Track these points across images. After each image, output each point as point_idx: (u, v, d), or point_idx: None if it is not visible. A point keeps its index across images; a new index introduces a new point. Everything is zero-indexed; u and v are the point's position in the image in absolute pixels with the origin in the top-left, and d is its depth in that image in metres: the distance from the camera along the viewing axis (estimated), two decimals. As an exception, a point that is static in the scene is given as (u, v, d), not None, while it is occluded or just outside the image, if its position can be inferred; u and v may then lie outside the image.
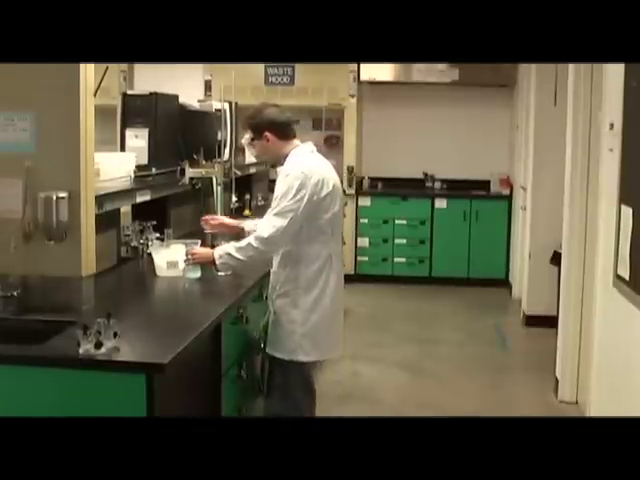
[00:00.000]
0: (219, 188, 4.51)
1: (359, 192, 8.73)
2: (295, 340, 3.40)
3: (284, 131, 3.49)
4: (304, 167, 3.39)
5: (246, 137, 3.58)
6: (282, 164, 3.49)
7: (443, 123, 8.92)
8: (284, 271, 3.45)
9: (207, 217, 3.97)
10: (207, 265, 3.54)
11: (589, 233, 4.95)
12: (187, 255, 3.60)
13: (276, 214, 3.33)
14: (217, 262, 3.42)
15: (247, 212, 5.78)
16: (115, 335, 2.49)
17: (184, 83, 6.64)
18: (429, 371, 5.83)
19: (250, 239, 3.37)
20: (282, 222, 3.31)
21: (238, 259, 3.38)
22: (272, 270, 3.54)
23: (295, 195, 3.31)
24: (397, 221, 8.69)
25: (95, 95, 3.60)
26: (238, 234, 3.83)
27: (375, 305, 7.84)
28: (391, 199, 8.72)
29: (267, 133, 3.46)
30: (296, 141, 3.52)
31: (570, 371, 5.17)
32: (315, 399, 3.63)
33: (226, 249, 3.43)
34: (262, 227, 3.37)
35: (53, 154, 3.43)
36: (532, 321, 6.91)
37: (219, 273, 3.53)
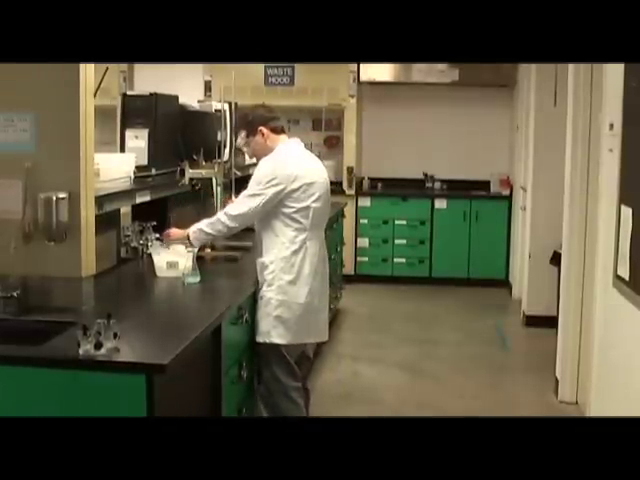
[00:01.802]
0: (219, 189, 4.51)
1: (359, 192, 8.73)
2: (269, 322, 3.62)
3: (275, 124, 3.78)
4: (280, 158, 3.68)
5: (239, 140, 3.88)
6: None
7: (443, 123, 8.92)
8: (262, 258, 3.69)
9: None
10: (183, 242, 3.82)
11: (589, 233, 4.95)
12: (164, 238, 3.98)
13: (246, 195, 3.67)
14: (191, 237, 3.77)
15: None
16: (115, 336, 2.49)
17: (184, 83, 6.64)
18: (429, 371, 5.83)
19: (220, 215, 3.74)
20: (251, 203, 3.63)
21: (208, 233, 3.77)
22: (257, 260, 3.74)
23: (267, 182, 3.60)
24: (397, 221, 8.68)
25: (95, 95, 3.60)
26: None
27: (375, 305, 7.84)
28: (391, 199, 8.72)
29: (261, 127, 3.73)
30: (284, 137, 3.79)
31: (570, 371, 5.17)
32: (300, 381, 3.78)
33: (199, 225, 3.80)
34: (233, 205, 3.74)
35: (53, 155, 3.43)
36: (532, 321, 6.91)
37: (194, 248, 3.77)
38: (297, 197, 3.63)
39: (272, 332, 3.62)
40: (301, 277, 3.65)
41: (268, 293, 3.63)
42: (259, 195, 3.61)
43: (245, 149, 3.94)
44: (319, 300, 3.79)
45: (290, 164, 3.66)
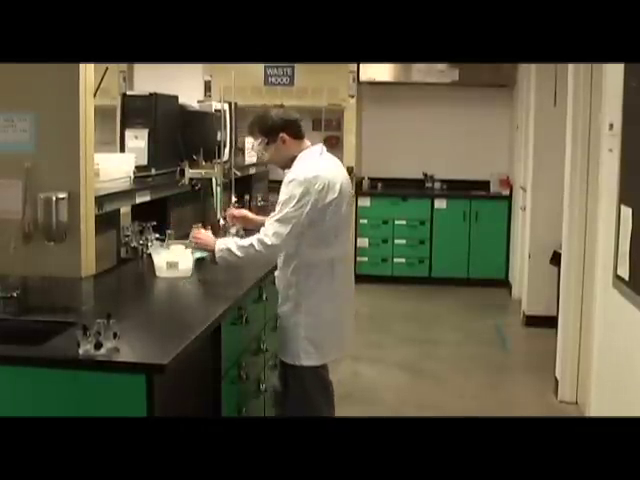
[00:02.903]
0: (219, 189, 4.51)
1: (359, 193, 8.72)
2: (299, 344, 3.42)
3: (297, 130, 3.47)
4: (309, 173, 3.35)
5: (257, 144, 3.52)
6: (289, 166, 3.46)
7: (443, 123, 8.93)
8: (286, 275, 3.47)
9: (233, 210, 4.02)
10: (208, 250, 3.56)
11: (589, 233, 4.95)
12: (190, 237, 3.65)
13: (278, 220, 3.32)
14: (216, 254, 3.44)
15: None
16: (115, 336, 2.49)
17: (184, 83, 6.64)
18: (429, 371, 5.83)
19: (253, 240, 3.36)
20: (284, 229, 3.30)
21: (237, 256, 3.39)
22: (276, 273, 3.57)
23: (298, 202, 3.29)
24: (397, 221, 8.69)
25: (95, 96, 3.60)
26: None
27: (375, 305, 7.84)
28: (391, 199, 8.72)
29: (283, 134, 3.42)
30: (307, 141, 3.51)
31: (570, 371, 5.17)
32: (333, 402, 3.60)
33: (227, 244, 3.44)
34: (265, 231, 3.35)
35: (53, 155, 3.42)
36: (532, 321, 6.91)
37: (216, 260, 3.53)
38: (330, 212, 3.36)
39: (302, 355, 3.42)
40: (329, 296, 3.43)
41: (296, 315, 3.42)
42: (292, 218, 3.30)
43: (261, 154, 3.58)
44: (346, 311, 3.61)
45: (320, 176, 3.34)
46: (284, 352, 3.51)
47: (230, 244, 3.43)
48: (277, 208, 3.37)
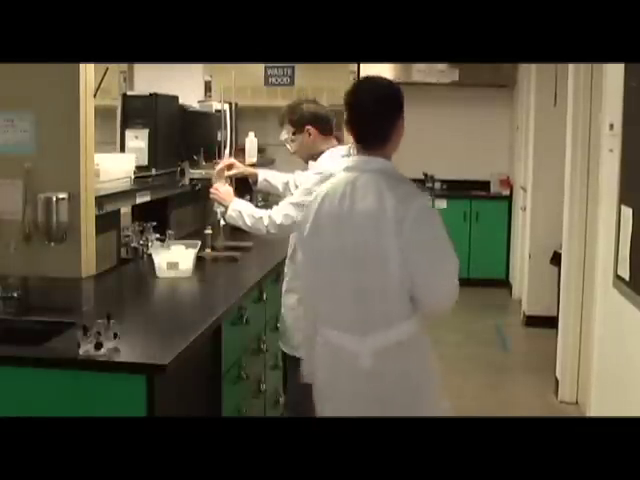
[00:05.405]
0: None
1: (359, 193, 8.71)
2: (299, 338, 3.40)
3: (325, 125, 3.52)
4: (335, 171, 3.32)
5: (283, 134, 3.56)
6: (315, 160, 3.50)
7: (443, 123, 8.93)
8: (292, 266, 3.49)
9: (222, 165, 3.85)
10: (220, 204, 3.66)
11: (589, 233, 4.95)
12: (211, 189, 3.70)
13: (293, 204, 3.38)
14: (229, 211, 3.52)
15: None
16: (115, 336, 2.49)
17: (184, 84, 6.63)
18: (429, 371, 5.82)
19: (265, 216, 3.42)
20: (296, 214, 3.34)
21: (246, 223, 3.47)
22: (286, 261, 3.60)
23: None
24: (397, 222, 8.67)
25: (95, 96, 3.60)
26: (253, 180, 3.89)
27: (375, 306, 7.82)
28: (391, 200, 8.71)
29: (309, 127, 3.48)
30: (334, 140, 3.55)
31: (570, 371, 5.17)
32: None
33: (241, 208, 3.50)
34: (278, 211, 3.42)
35: (53, 155, 3.42)
36: (532, 321, 6.91)
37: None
38: None
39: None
40: None
41: (299, 308, 3.34)
42: (304, 205, 3.30)
43: (287, 144, 3.60)
44: None
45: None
46: (284, 341, 3.56)
47: (244, 209, 3.49)
48: (296, 193, 3.43)
